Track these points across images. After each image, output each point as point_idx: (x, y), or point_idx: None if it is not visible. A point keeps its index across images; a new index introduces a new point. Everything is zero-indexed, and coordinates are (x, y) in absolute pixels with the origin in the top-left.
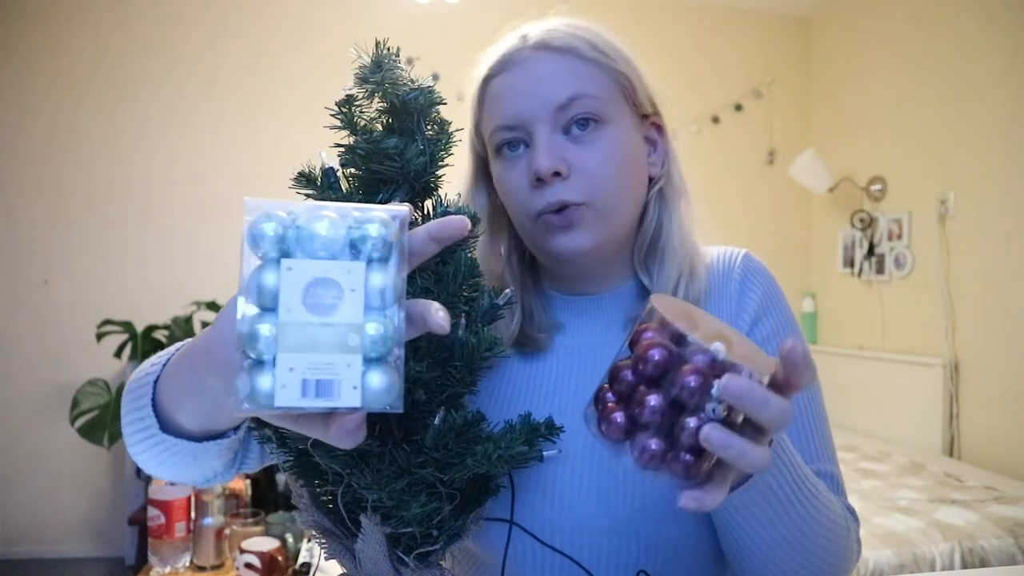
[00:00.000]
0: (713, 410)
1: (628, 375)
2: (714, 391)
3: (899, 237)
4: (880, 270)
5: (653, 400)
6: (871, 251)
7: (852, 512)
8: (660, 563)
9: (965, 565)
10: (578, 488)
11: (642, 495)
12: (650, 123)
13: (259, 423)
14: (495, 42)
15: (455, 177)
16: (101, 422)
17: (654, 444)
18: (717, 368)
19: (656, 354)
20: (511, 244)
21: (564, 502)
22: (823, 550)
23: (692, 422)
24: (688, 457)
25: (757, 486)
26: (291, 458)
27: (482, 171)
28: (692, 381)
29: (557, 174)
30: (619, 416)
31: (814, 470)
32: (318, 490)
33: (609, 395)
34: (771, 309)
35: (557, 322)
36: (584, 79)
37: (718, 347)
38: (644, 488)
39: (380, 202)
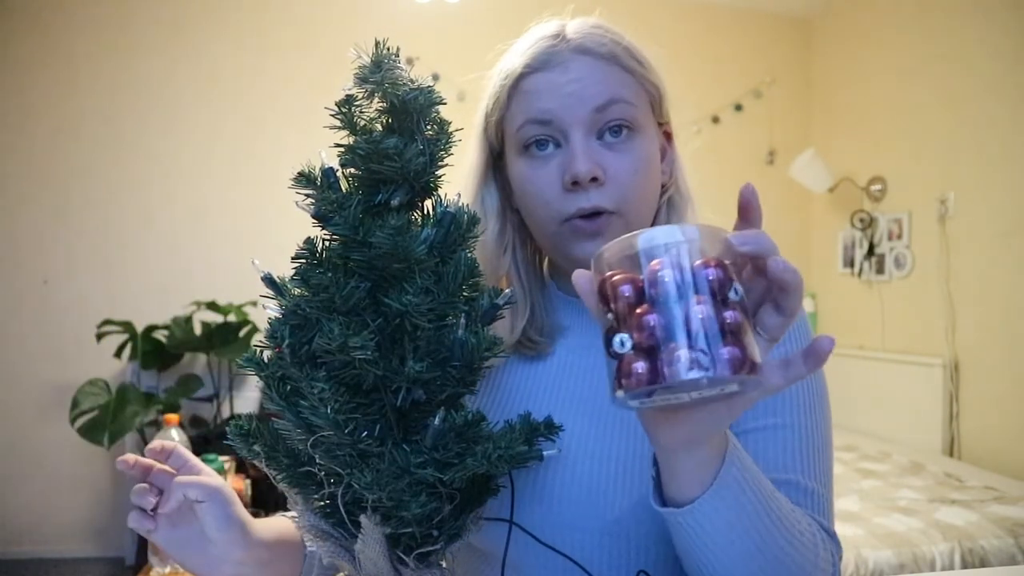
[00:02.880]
0: (736, 291)
1: (623, 338)
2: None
3: (899, 237)
4: (880, 270)
5: (652, 319)
6: (871, 251)
7: (832, 535)
8: (658, 563)
9: (965, 565)
10: (574, 487)
11: (638, 494)
12: (663, 131)
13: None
14: (527, 32)
15: (455, 177)
16: (101, 422)
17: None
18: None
19: (627, 290)
20: (516, 242)
21: (561, 501)
22: (793, 562)
23: (730, 314)
24: (737, 351)
25: (727, 483)
26: (282, 471)
27: (492, 168)
28: (711, 274)
29: (594, 179)
30: (639, 366)
31: (795, 482)
32: (314, 496)
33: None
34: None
35: (559, 325)
36: (622, 85)
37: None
38: (640, 487)
39: (380, 202)
